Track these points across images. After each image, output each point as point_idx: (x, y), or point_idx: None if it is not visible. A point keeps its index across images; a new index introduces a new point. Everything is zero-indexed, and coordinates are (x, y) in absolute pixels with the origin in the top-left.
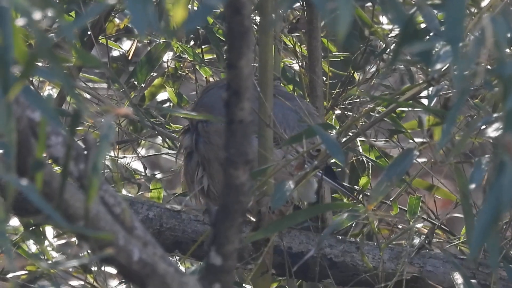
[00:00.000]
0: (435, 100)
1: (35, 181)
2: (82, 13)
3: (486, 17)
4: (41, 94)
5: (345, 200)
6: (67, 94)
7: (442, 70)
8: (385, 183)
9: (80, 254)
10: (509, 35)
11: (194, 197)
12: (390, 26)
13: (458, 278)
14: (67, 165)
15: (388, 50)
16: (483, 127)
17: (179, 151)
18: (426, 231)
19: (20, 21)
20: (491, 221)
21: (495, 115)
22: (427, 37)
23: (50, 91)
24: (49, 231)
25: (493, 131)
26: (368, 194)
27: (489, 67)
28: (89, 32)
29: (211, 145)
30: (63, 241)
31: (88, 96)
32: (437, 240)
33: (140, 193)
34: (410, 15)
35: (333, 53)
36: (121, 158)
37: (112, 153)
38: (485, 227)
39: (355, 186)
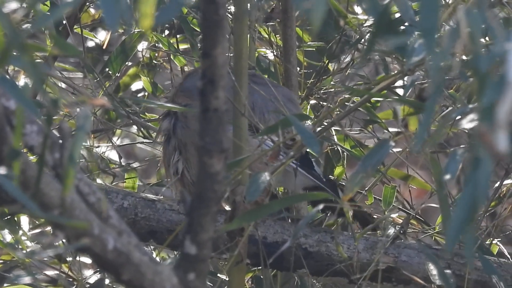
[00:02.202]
0: (410, 90)
1: (11, 170)
2: (57, 2)
3: (461, 9)
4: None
5: None
6: (36, 86)
7: (417, 61)
8: (360, 174)
9: (55, 244)
10: (483, 26)
11: (170, 183)
12: (365, 16)
13: (432, 268)
14: (44, 154)
15: (363, 40)
16: (458, 117)
17: (158, 134)
18: (401, 221)
19: None
20: (467, 215)
21: (470, 106)
22: (402, 27)
23: (25, 79)
24: (24, 220)
25: (468, 123)
26: (343, 184)
27: (464, 58)
28: (64, 22)
29: (188, 130)
30: (37, 231)
31: (63, 85)
32: (412, 230)
33: (114, 183)
34: (385, 6)
35: (308, 43)
36: (96, 148)
37: (87, 142)
38: (461, 221)
39: (330, 176)
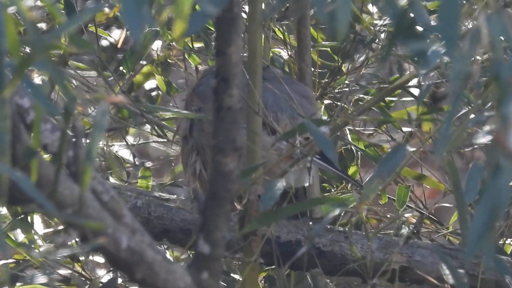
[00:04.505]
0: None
1: (28, 170)
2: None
3: (481, 16)
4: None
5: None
6: (58, 86)
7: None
8: (376, 180)
9: (68, 243)
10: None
11: (188, 181)
12: (380, 15)
13: (446, 268)
14: (61, 153)
15: (378, 39)
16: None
17: (176, 132)
18: (415, 220)
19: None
20: (487, 223)
21: (486, 113)
22: (420, 29)
23: (40, 77)
24: (37, 219)
25: (484, 136)
26: (357, 181)
27: (483, 65)
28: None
29: (203, 132)
30: (50, 230)
31: (77, 83)
32: (426, 230)
33: (128, 182)
34: (404, 10)
35: (322, 43)
36: (110, 146)
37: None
38: (481, 230)
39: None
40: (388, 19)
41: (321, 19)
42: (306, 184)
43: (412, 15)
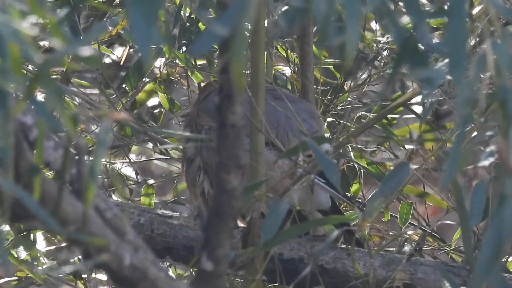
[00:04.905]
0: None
1: (31, 186)
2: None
3: (487, 41)
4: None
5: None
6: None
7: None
8: (379, 199)
9: (71, 260)
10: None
11: (192, 200)
12: (382, 33)
13: (448, 285)
14: (65, 170)
15: (380, 57)
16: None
17: (184, 158)
18: (417, 238)
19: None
20: (494, 252)
21: (488, 133)
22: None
23: (42, 95)
24: (40, 237)
25: (486, 160)
26: (360, 200)
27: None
28: (81, 38)
29: (213, 152)
30: (53, 247)
31: (80, 101)
32: (428, 247)
33: (130, 199)
34: (410, 33)
35: (325, 60)
36: (112, 164)
37: (103, 159)
38: (488, 259)
39: (346, 193)
40: (392, 38)
41: (331, 48)
42: (327, 206)
43: (415, 33)
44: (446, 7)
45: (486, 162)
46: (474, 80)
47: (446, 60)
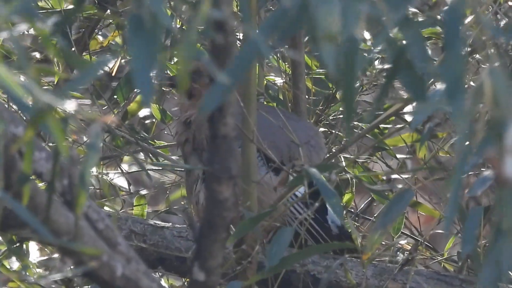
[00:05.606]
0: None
1: (21, 196)
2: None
3: (484, 69)
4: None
5: None
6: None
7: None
8: (379, 231)
9: (63, 270)
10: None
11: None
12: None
13: None
14: (53, 181)
15: (372, 66)
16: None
17: (188, 173)
18: (410, 247)
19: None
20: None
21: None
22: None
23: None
24: (32, 247)
25: (480, 188)
26: (352, 210)
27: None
28: (73, 49)
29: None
30: (45, 257)
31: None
32: (421, 256)
33: (123, 210)
34: (401, 49)
35: (316, 70)
36: (105, 175)
37: (95, 170)
38: None
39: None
40: (385, 54)
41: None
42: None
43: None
44: (439, 17)
45: (479, 191)
46: (471, 112)
47: (442, 86)
